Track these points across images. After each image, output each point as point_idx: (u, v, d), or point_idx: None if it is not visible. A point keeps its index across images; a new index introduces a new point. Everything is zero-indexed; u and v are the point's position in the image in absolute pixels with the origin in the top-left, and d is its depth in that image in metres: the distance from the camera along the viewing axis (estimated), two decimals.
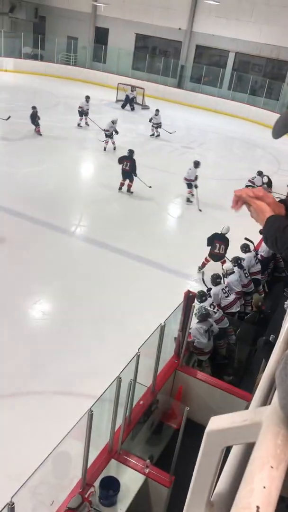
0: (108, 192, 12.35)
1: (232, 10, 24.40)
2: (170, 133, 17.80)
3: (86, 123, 17.94)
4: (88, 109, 17.76)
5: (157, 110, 17.48)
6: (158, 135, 17.87)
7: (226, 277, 7.60)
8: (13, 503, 2.84)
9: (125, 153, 12.35)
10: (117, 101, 23.20)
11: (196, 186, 11.87)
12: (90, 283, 8.36)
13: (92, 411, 3.68)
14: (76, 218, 10.88)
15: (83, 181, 13.87)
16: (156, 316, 5.59)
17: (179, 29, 26.24)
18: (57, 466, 4.13)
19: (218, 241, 8.73)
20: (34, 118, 15.51)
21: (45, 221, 10.12)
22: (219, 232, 8.77)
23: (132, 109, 22.50)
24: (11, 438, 5.13)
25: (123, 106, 22.31)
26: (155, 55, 28.22)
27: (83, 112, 17.73)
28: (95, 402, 3.94)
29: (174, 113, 23.35)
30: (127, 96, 22.50)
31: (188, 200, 12.18)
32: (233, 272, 7.40)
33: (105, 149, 15.39)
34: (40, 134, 15.65)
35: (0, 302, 7.43)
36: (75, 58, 28.68)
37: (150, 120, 17.69)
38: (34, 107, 15.54)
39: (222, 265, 7.77)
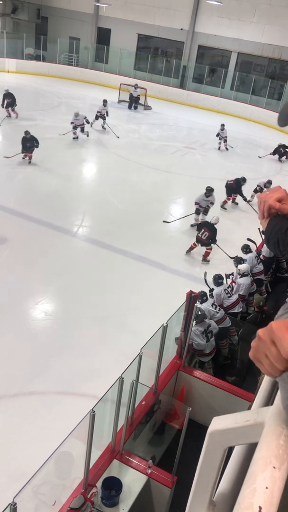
0: (110, 192, 12.35)
1: (234, 10, 24.39)
2: (232, 148, 17.94)
3: (103, 127, 17.80)
4: (106, 112, 17.75)
5: (223, 125, 17.31)
6: (227, 149, 17.67)
7: (230, 276, 7.58)
8: (15, 504, 2.84)
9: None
10: (120, 101, 23.20)
11: (205, 213, 10.86)
12: (92, 283, 8.36)
13: (94, 412, 3.68)
14: (78, 219, 10.89)
15: (85, 181, 13.87)
16: (158, 317, 5.59)
17: (181, 29, 26.23)
18: (60, 466, 4.14)
19: (205, 228, 9.39)
20: (25, 143, 13.23)
21: (47, 222, 10.14)
22: (209, 221, 9.46)
23: (135, 108, 22.48)
24: (14, 438, 5.13)
25: (129, 107, 22.34)
26: (157, 55, 28.22)
27: (101, 116, 17.70)
28: (97, 402, 3.94)
29: (176, 113, 23.38)
30: (131, 94, 22.47)
31: (192, 225, 10.90)
32: (247, 274, 7.29)
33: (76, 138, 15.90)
34: (29, 162, 13.37)
35: (3, 302, 7.44)
36: (77, 59, 28.70)
37: (217, 135, 17.54)
38: (26, 132, 13.29)
39: (237, 266, 7.54)
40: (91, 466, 4.02)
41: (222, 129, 17.06)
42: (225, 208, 12.32)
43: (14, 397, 5.72)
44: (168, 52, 28.02)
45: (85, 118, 16.03)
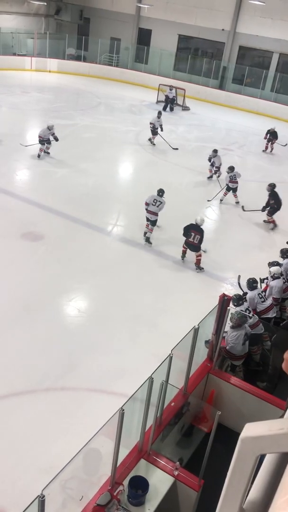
0: (145, 193, 12.37)
1: (277, 10, 23.96)
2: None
3: (152, 142, 16.43)
4: (160, 126, 16.13)
5: (215, 151, 13.66)
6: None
7: (264, 281, 7.46)
8: (44, 496, 2.89)
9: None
10: (158, 102, 23.22)
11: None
12: (125, 283, 8.40)
13: (123, 410, 3.69)
14: (113, 218, 10.97)
15: (121, 181, 13.96)
16: (190, 319, 5.56)
17: (222, 30, 26.00)
18: (88, 463, 4.18)
19: (193, 231, 8.96)
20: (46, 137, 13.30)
21: (83, 220, 10.26)
22: (195, 223, 9.03)
23: (171, 109, 22.38)
24: (44, 432, 5.22)
25: (164, 109, 22.06)
26: (197, 56, 28.07)
27: (153, 129, 16.15)
28: (127, 401, 3.96)
29: (214, 114, 23.20)
30: (166, 96, 22.44)
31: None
32: (279, 277, 7.18)
33: (39, 156, 13.51)
34: (48, 152, 13.65)
35: (37, 298, 7.58)
36: (118, 59, 28.92)
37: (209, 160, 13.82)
38: (50, 127, 13.37)
39: (270, 268, 7.42)
40: (118, 464, 4.04)
41: (215, 155, 13.53)
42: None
43: (46, 391, 5.82)
44: (208, 52, 27.84)
45: (53, 134, 13.53)
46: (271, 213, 11.39)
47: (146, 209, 9.66)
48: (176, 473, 4.29)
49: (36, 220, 9.98)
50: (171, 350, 4.58)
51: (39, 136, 13.37)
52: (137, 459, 4.38)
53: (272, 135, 17.39)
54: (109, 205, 11.47)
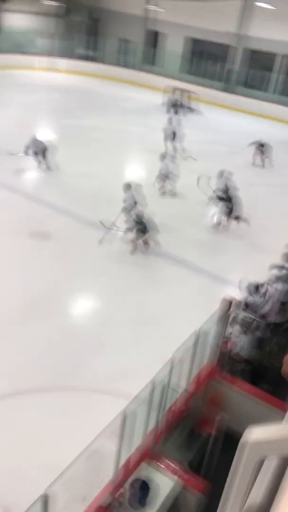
0: (152, 195, 12.39)
1: (286, 13, 23.91)
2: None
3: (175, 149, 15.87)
4: (173, 132, 15.73)
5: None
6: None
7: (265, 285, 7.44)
8: (47, 495, 2.90)
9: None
10: (163, 104, 23.22)
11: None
12: (131, 284, 8.43)
13: (126, 412, 3.71)
14: (121, 219, 10.96)
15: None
16: (195, 321, 5.57)
17: (231, 33, 25.99)
18: (90, 464, 4.19)
19: None
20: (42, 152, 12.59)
21: (91, 220, 10.29)
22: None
23: (175, 112, 22.14)
24: (48, 431, 5.24)
25: (168, 110, 21.96)
26: (205, 58, 28.05)
27: (170, 136, 15.81)
28: (129, 403, 3.97)
29: (221, 117, 23.17)
30: (171, 99, 22.43)
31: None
32: (280, 281, 7.16)
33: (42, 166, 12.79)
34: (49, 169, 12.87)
35: (44, 297, 7.62)
36: (126, 60, 28.99)
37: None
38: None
39: (273, 270, 7.41)
40: (120, 465, 4.06)
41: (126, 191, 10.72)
42: None
43: (51, 391, 5.85)
44: (216, 55, 27.81)
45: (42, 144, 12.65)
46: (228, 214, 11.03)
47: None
48: (178, 476, 4.30)
49: (44, 219, 10.03)
50: (173, 353, 4.59)
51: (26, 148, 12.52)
52: (139, 461, 4.39)
53: (262, 147, 16.29)
54: (116, 206, 11.42)
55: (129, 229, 9.45)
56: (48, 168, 12.81)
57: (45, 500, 2.91)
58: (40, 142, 12.55)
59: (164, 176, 12.58)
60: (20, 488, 4.35)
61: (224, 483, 0.90)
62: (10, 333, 6.72)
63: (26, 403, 5.64)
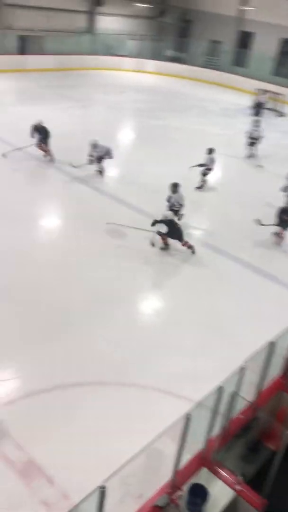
0: (234, 200, 12.16)
1: None
2: None
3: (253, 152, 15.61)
4: (258, 136, 15.31)
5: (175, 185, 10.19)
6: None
7: None
8: (104, 487, 2.93)
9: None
10: (252, 106, 22.68)
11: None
12: (202, 287, 8.32)
13: (190, 415, 3.65)
14: (197, 222, 10.89)
15: (209, 186, 13.77)
16: (267, 331, 5.37)
17: None
18: (149, 462, 4.19)
19: None
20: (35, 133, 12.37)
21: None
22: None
23: (257, 114, 21.04)
24: (109, 425, 5.30)
25: (256, 114, 21.25)
26: None
27: (251, 138, 15.42)
28: (194, 406, 3.90)
29: None
30: (258, 101, 21.76)
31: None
32: None
33: (100, 172, 12.42)
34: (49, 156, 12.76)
35: (115, 294, 7.74)
36: (216, 62, 28.73)
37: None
38: (39, 122, 12.38)
39: None
40: (179, 468, 4.00)
41: (174, 191, 10.05)
42: None
43: (116, 385, 5.92)
44: None
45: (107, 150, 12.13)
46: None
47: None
48: (238, 487, 4.16)
49: (121, 218, 10.16)
50: (245, 362, 4.45)
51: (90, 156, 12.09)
52: (198, 466, 4.31)
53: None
54: (195, 209, 11.33)
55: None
56: (100, 172, 12.41)
57: (102, 491, 2.93)
58: (102, 147, 12.13)
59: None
60: (79, 478, 4.43)
61: (281, 503, 0.82)
62: (83, 323, 6.90)
63: (91, 395, 5.75)
